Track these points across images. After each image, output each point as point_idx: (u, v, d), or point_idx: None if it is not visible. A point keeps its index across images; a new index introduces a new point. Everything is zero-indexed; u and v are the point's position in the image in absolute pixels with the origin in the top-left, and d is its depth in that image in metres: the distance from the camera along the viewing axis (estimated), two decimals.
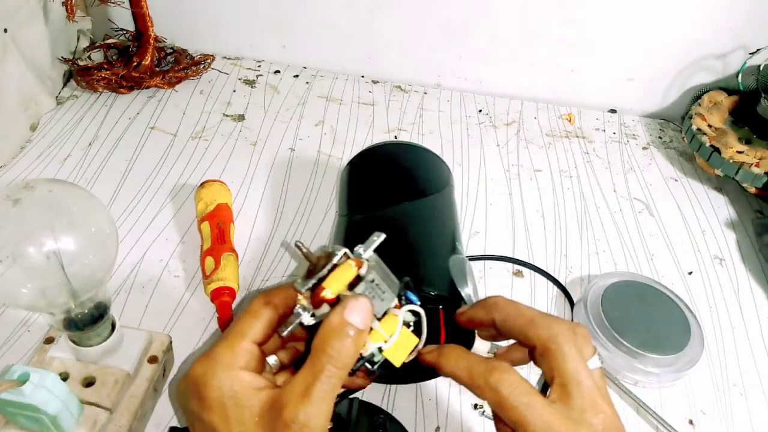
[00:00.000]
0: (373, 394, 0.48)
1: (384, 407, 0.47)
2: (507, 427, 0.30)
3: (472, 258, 0.61)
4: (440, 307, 0.41)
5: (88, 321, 0.40)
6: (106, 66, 0.79)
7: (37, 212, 0.37)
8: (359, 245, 0.31)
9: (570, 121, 0.86)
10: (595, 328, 0.53)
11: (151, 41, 0.81)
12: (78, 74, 0.78)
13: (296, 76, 0.88)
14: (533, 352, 0.32)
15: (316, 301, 0.30)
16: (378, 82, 0.89)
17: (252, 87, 0.85)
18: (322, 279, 0.30)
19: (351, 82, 0.88)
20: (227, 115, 0.79)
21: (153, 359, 0.44)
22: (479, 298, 0.41)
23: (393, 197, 0.50)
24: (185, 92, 0.82)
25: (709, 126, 0.76)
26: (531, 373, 0.49)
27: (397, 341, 0.31)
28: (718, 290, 0.62)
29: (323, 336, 0.29)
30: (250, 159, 0.72)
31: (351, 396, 0.45)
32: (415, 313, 0.33)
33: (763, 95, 0.73)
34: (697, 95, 0.85)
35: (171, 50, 0.86)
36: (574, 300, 0.58)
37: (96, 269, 0.39)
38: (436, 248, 0.46)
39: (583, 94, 0.89)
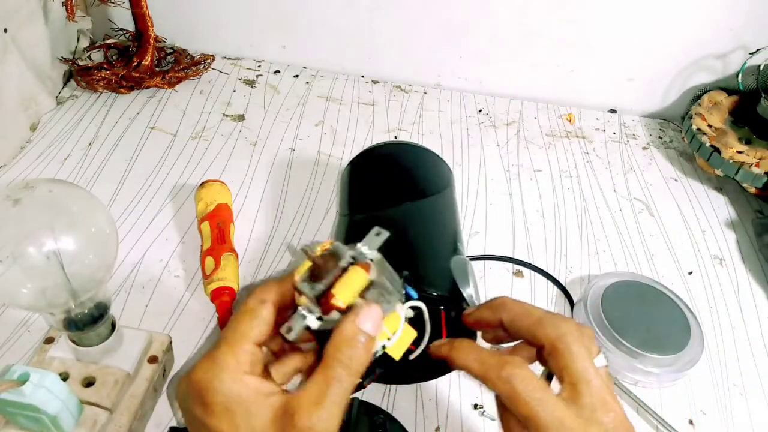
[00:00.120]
0: (373, 394, 0.48)
1: (384, 407, 0.47)
2: (512, 421, 0.30)
3: (472, 258, 0.61)
4: (442, 308, 0.41)
5: (88, 321, 0.40)
6: (106, 66, 0.79)
7: (37, 212, 0.37)
8: (362, 243, 0.31)
9: (570, 121, 0.86)
10: (595, 328, 0.53)
11: (151, 41, 0.81)
12: (78, 74, 0.78)
13: (296, 76, 0.88)
14: (541, 352, 0.32)
15: (326, 309, 0.30)
16: (378, 82, 0.89)
17: (252, 87, 0.85)
18: (330, 284, 0.30)
19: (351, 82, 0.88)
20: (227, 115, 0.79)
21: (153, 359, 0.44)
22: (480, 298, 0.42)
23: (395, 197, 0.50)
24: (185, 92, 0.82)
25: (709, 126, 0.76)
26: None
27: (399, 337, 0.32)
28: (718, 290, 0.62)
29: (336, 344, 0.29)
30: (250, 159, 0.72)
31: (351, 396, 0.45)
32: (414, 307, 0.33)
33: (763, 95, 0.73)
34: (697, 95, 0.85)
35: (171, 50, 0.86)
36: (574, 300, 0.58)
37: (96, 269, 0.39)
38: (437, 249, 0.46)
39: (583, 94, 0.89)
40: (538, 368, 0.32)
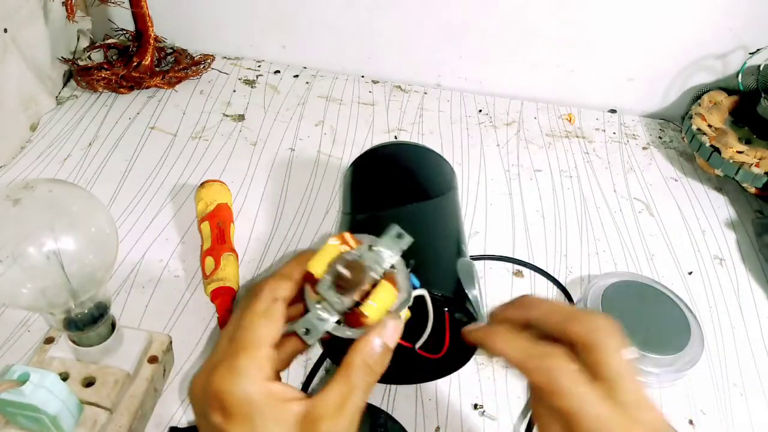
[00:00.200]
0: (373, 394, 0.48)
1: (384, 407, 0.47)
2: (545, 412, 0.29)
3: (472, 258, 0.61)
4: (446, 309, 0.41)
5: (88, 321, 0.40)
6: (106, 66, 0.79)
7: (37, 212, 0.37)
8: (385, 246, 0.31)
9: (570, 121, 0.86)
10: None
11: (151, 41, 0.81)
12: (78, 74, 0.78)
13: (296, 76, 0.88)
14: (574, 348, 0.31)
15: (353, 323, 0.30)
16: (378, 82, 0.89)
17: (252, 87, 0.85)
18: (359, 297, 0.30)
19: (351, 82, 0.88)
20: (227, 115, 0.79)
21: (153, 359, 0.44)
22: (484, 300, 0.41)
23: (401, 198, 0.50)
24: (185, 92, 0.82)
25: (709, 126, 0.76)
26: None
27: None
28: (718, 290, 0.62)
29: (362, 354, 0.29)
30: (250, 159, 0.72)
31: None
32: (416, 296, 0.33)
33: (763, 95, 0.73)
34: (697, 95, 0.85)
35: (171, 50, 0.86)
36: (574, 300, 0.58)
37: (96, 269, 0.39)
38: (443, 250, 0.46)
39: (583, 94, 0.89)
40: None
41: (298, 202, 0.66)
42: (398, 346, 0.32)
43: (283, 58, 0.90)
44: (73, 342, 0.41)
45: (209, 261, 0.55)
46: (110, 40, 0.85)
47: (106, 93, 0.79)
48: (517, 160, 0.77)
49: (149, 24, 0.80)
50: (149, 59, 0.81)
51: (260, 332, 0.30)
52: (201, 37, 0.88)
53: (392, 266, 0.30)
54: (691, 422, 0.50)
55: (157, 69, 0.82)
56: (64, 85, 0.79)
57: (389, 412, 0.47)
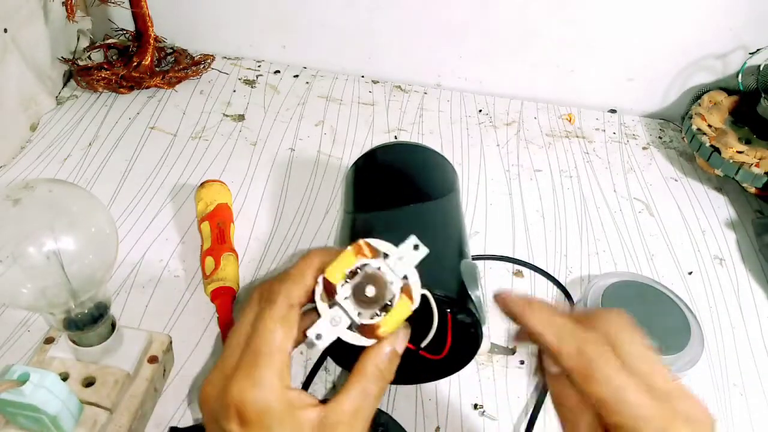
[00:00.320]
0: None
1: (384, 407, 0.47)
2: (570, 395, 0.29)
3: (473, 258, 0.61)
4: (448, 310, 0.41)
5: (88, 321, 0.40)
6: (106, 66, 0.79)
7: (37, 212, 0.37)
8: (406, 261, 0.31)
9: (570, 121, 0.86)
10: None
11: (151, 41, 0.81)
12: (78, 74, 0.78)
13: (296, 76, 0.88)
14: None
15: (367, 333, 0.30)
16: (378, 82, 0.89)
17: (252, 87, 0.85)
18: (378, 310, 0.30)
19: (351, 82, 0.88)
20: (227, 115, 0.79)
21: (153, 359, 0.44)
22: (486, 301, 0.41)
23: (405, 198, 0.50)
24: (185, 92, 0.82)
25: (709, 126, 0.76)
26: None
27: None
28: (718, 290, 0.62)
29: (375, 361, 0.30)
30: (250, 159, 0.72)
31: None
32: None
33: (763, 95, 0.73)
34: (697, 95, 0.85)
35: (171, 50, 0.86)
36: (574, 300, 0.58)
37: (96, 269, 0.39)
38: (446, 251, 0.46)
39: (583, 94, 0.89)
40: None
41: (298, 202, 0.66)
42: None
43: (283, 58, 0.90)
44: (73, 342, 0.41)
45: (209, 261, 0.55)
46: (110, 40, 0.85)
47: (106, 93, 0.79)
48: (517, 160, 0.77)
49: (149, 24, 0.80)
50: (149, 59, 0.81)
51: (279, 340, 0.29)
52: (201, 37, 0.88)
53: (405, 276, 0.31)
54: None
55: (157, 69, 0.82)
56: (64, 85, 0.79)
57: (389, 412, 0.47)
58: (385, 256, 0.31)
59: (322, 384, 0.49)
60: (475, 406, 0.49)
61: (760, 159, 0.69)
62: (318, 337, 0.30)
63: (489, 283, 0.60)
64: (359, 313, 0.30)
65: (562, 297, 0.59)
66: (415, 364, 0.41)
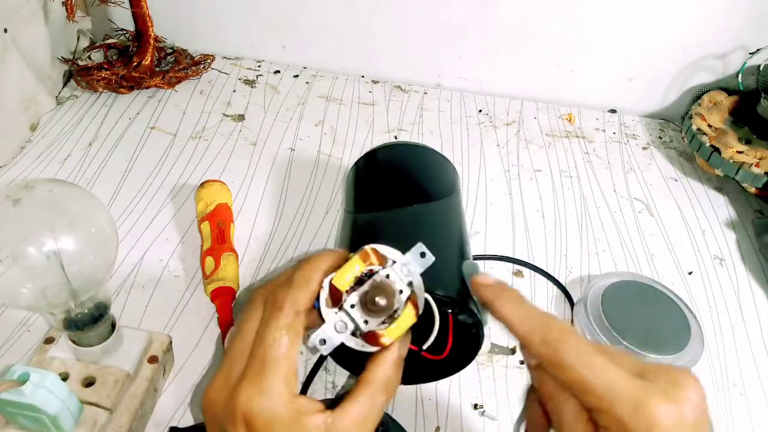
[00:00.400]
0: None
1: None
2: (551, 385, 0.29)
3: (473, 258, 0.61)
4: (449, 311, 0.41)
5: (88, 321, 0.40)
6: (106, 66, 0.79)
7: (37, 212, 0.37)
8: (412, 269, 0.31)
9: (570, 121, 0.86)
10: (595, 328, 0.53)
11: (151, 41, 0.81)
12: (78, 74, 0.78)
13: (296, 76, 0.88)
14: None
15: (370, 340, 0.30)
16: (378, 82, 0.89)
17: (252, 87, 0.85)
18: (384, 319, 0.31)
19: (351, 82, 0.88)
20: (227, 115, 0.79)
21: (153, 359, 0.44)
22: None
23: (406, 198, 0.50)
24: (185, 92, 0.82)
25: (709, 126, 0.76)
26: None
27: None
28: (718, 290, 0.62)
29: (383, 369, 0.30)
30: (250, 159, 0.72)
31: None
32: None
33: (763, 95, 0.73)
34: (697, 95, 0.85)
35: (171, 50, 0.86)
36: (574, 300, 0.58)
37: (96, 269, 0.39)
38: (447, 252, 0.46)
39: (583, 94, 0.89)
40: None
41: (298, 202, 0.66)
42: None
43: (283, 58, 0.90)
44: (73, 342, 0.41)
45: (209, 261, 0.55)
46: (110, 40, 0.85)
47: (106, 93, 0.79)
48: (517, 160, 0.77)
49: (149, 24, 0.80)
50: (149, 59, 0.81)
51: (286, 348, 0.29)
52: (201, 37, 0.88)
53: (410, 283, 0.31)
54: None
55: (157, 69, 0.82)
56: (64, 85, 0.79)
57: (389, 412, 0.47)
58: (393, 263, 0.31)
59: (322, 384, 0.49)
60: (475, 406, 0.49)
61: (760, 159, 0.69)
62: (322, 342, 0.30)
63: None
64: (366, 321, 0.30)
65: (562, 297, 0.59)
66: (415, 365, 0.41)
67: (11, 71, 0.68)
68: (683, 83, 0.86)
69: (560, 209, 0.70)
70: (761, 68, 0.75)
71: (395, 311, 0.30)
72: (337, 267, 0.31)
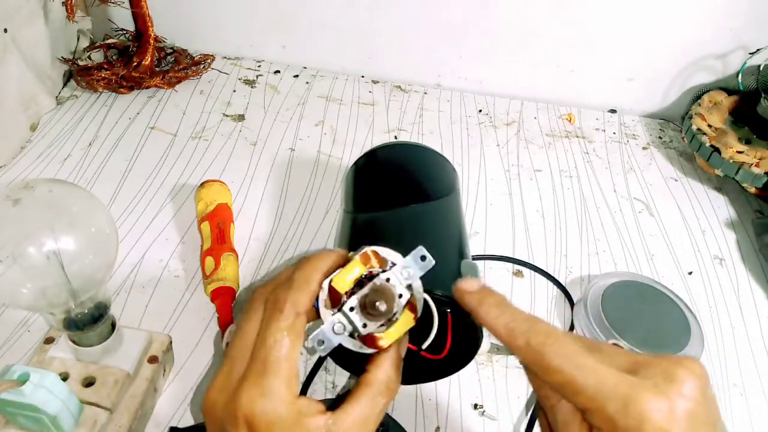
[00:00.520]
0: None
1: None
2: (545, 388, 0.28)
3: (473, 258, 0.61)
4: (448, 310, 0.41)
5: (88, 321, 0.40)
6: (106, 66, 0.79)
7: (37, 212, 0.37)
8: (412, 271, 0.31)
9: (570, 121, 0.86)
10: (595, 328, 0.53)
11: (151, 41, 0.81)
12: (78, 74, 0.78)
13: (296, 76, 0.88)
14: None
15: (368, 342, 0.31)
16: (378, 82, 0.89)
17: (252, 87, 0.85)
18: (382, 322, 0.31)
19: (351, 82, 0.88)
20: (227, 115, 0.79)
21: (153, 359, 0.44)
22: None
23: (405, 198, 0.50)
24: (185, 92, 0.82)
25: (709, 126, 0.76)
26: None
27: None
28: (718, 290, 0.62)
29: (384, 371, 0.30)
30: (250, 159, 0.72)
31: None
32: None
33: (763, 95, 0.73)
34: (697, 95, 0.85)
35: (171, 50, 0.86)
36: (574, 300, 0.58)
37: (96, 269, 0.39)
38: (446, 251, 0.46)
39: (583, 94, 0.89)
40: None
41: (298, 202, 0.66)
42: None
43: (283, 58, 0.90)
44: (73, 342, 0.41)
45: (209, 261, 0.55)
46: (110, 40, 0.85)
47: (106, 93, 0.79)
48: (517, 160, 0.77)
49: (149, 24, 0.80)
50: (149, 59, 0.81)
51: (287, 349, 0.29)
52: (201, 37, 0.88)
53: (409, 286, 0.31)
54: None
55: (157, 69, 0.82)
56: (64, 85, 0.79)
57: (389, 412, 0.47)
58: (393, 265, 0.31)
59: (321, 384, 0.49)
60: (475, 406, 0.49)
61: (760, 159, 0.69)
62: (320, 343, 0.30)
63: (489, 283, 0.60)
64: (365, 324, 0.30)
65: (562, 297, 0.59)
66: (415, 364, 0.41)
67: (11, 71, 0.68)
68: (683, 83, 0.86)
69: (560, 209, 0.70)
70: (761, 68, 0.75)
71: (394, 314, 0.30)
72: (337, 267, 0.31)
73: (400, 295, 0.31)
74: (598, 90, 0.88)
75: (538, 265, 0.62)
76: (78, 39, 0.82)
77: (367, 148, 0.58)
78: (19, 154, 0.68)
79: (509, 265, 0.62)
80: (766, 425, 0.50)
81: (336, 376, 0.49)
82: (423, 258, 0.31)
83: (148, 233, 0.60)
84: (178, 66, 0.84)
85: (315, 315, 0.31)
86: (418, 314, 0.31)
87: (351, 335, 0.31)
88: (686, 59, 0.83)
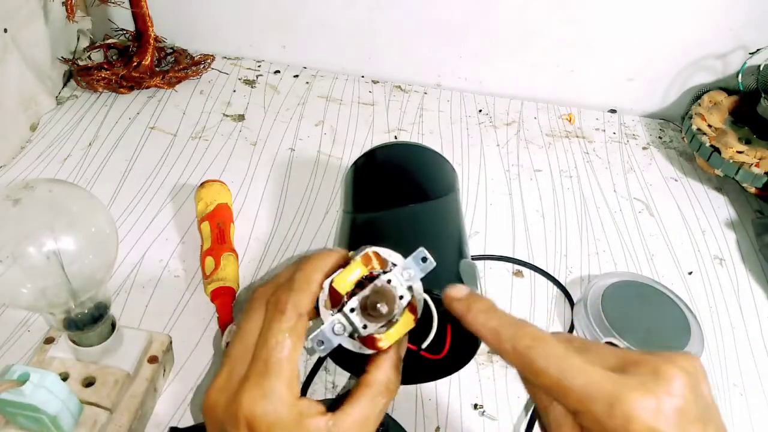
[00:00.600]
0: None
1: None
2: (537, 390, 0.28)
3: (473, 258, 0.61)
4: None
5: (88, 321, 0.40)
6: (106, 66, 0.79)
7: (37, 212, 0.37)
8: (411, 273, 0.31)
9: (570, 121, 0.86)
10: (595, 328, 0.53)
11: (151, 41, 0.81)
12: (78, 74, 0.78)
13: (296, 76, 0.88)
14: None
15: (368, 343, 0.31)
16: (378, 82, 0.89)
17: (252, 87, 0.85)
18: (383, 324, 0.31)
19: (351, 82, 0.88)
20: (227, 115, 0.79)
21: (153, 359, 0.44)
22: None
23: (404, 198, 0.50)
24: (185, 92, 0.82)
25: (709, 126, 0.76)
26: None
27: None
28: (718, 290, 0.62)
29: (384, 372, 0.30)
30: (250, 159, 0.72)
31: None
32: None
33: (763, 95, 0.73)
34: (697, 95, 0.85)
35: (171, 50, 0.86)
36: (574, 300, 0.58)
37: (96, 269, 0.39)
38: (445, 251, 0.46)
39: (583, 94, 0.89)
40: None
41: (298, 202, 0.66)
42: None
43: (283, 58, 0.90)
44: (73, 342, 0.41)
45: (209, 261, 0.55)
46: (110, 40, 0.85)
47: (106, 93, 0.79)
48: (517, 160, 0.77)
49: (149, 24, 0.80)
50: (149, 59, 0.81)
51: (288, 351, 0.29)
52: (201, 37, 0.88)
53: (410, 287, 0.31)
54: None
55: (157, 69, 0.82)
56: (64, 85, 0.79)
57: (389, 412, 0.47)
58: (393, 266, 0.31)
59: (321, 384, 0.49)
60: (475, 406, 0.49)
61: (760, 159, 0.69)
62: (320, 343, 0.30)
63: (489, 283, 0.60)
64: (365, 325, 0.30)
65: (562, 297, 0.59)
66: (414, 364, 0.41)
67: (11, 71, 0.68)
68: (683, 83, 0.86)
69: (560, 209, 0.70)
70: (761, 68, 0.75)
71: (394, 316, 0.30)
72: (337, 267, 0.31)
73: (401, 297, 0.30)
74: (598, 90, 0.88)
75: (538, 265, 0.62)
76: (78, 39, 0.82)
77: (367, 148, 0.58)
78: (19, 154, 0.68)
79: (509, 265, 0.62)
80: (766, 425, 0.50)
81: (336, 377, 0.49)
82: (424, 259, 0.31)
83: (148, 233, 0.60)
84: (178, 66, 0.84)
85: (315, 314, 0.31)
86: (419, 316, 0.31)
87: (351, 336, 0.31)
88: (686, 59, 0.83)
